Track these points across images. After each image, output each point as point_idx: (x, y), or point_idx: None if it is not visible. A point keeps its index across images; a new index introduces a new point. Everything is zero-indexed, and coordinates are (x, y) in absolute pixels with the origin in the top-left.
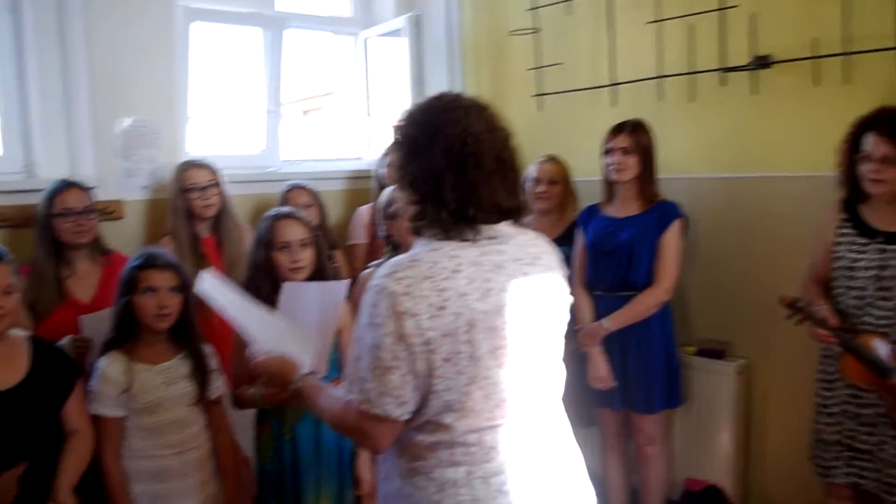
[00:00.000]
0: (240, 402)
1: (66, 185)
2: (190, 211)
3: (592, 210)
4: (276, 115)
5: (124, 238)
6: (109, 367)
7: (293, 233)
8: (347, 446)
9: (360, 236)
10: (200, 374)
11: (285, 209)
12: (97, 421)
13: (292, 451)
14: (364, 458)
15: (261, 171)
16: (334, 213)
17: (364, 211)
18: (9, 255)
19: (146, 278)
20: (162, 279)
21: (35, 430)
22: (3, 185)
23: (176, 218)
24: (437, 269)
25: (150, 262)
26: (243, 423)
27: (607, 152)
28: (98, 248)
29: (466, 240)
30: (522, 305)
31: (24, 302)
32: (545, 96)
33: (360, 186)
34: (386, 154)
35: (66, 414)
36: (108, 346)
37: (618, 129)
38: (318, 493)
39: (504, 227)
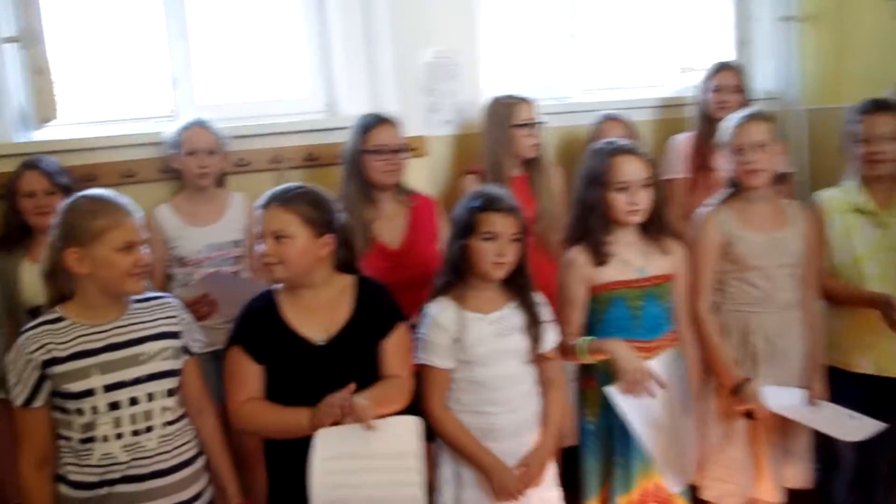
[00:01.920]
0: (562, 352)
1: (379, 120)
2: (513, 148)
3: None
4: (574, 41)
5: (426, 177)
6: (441, 314)
7: (633, 171)
8: None
9: (677, 169)
10: (534, 325)
11: (623, 142)
12: (424, 371)
13: None
14: None
15: (561, 103)
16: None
17: (681, 141)
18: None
19: (487, 222)
20: (504, 224)
21: (355, 375)
22: (307, 124)
23: (499, 154)
24: None
25: (492, 205)
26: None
27: None
28: (402, 189)
29: None
30: None
31: None
32: None
33: (670, 115)
34: (709, 77)
35: (385, 359)
36: (440, 292)
37: None
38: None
39: None
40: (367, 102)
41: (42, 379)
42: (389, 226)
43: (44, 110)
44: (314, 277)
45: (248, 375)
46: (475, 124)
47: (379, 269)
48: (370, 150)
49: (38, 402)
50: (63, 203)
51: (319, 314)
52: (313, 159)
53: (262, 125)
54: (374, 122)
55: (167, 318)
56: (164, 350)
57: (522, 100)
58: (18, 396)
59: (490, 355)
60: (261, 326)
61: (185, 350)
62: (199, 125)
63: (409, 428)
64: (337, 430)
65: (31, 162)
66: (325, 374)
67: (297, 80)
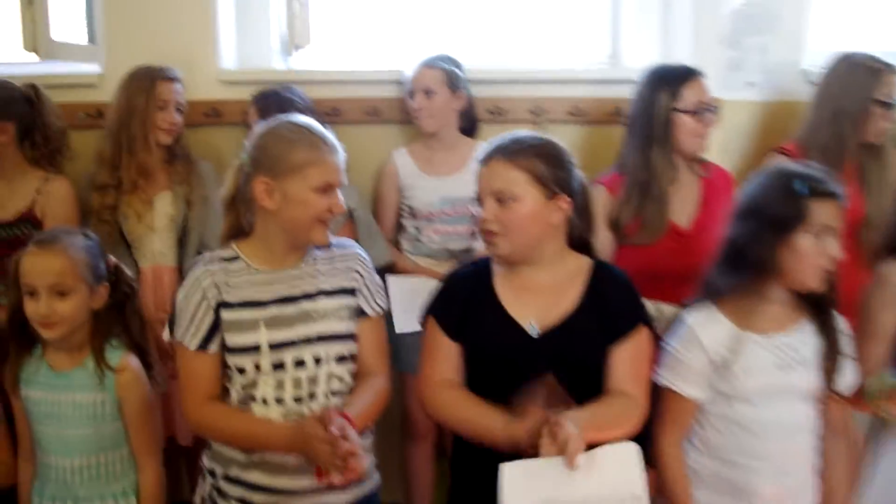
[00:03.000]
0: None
1: (693, 74)
2: (864, 128)
3: None
4: None
5: (716, 150)
6: (705, 328)
7: None
8: None
9: None
10: (832, 357)
11: None
12: (665, 394)
13: None
14: None
15: None
16: None
17: None
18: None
19: (821, 213)
20: (837, 217)
21: (571, 383)
22: (584, 73)
23: (843, 133)
24: None
25: (824, 191)
26: None
27: None
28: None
29: None
30: None
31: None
32: None
33: None
34: None
35: (615, 369)
36: (708, 297)
37: None
38: None
39: None
40: (654, 53)
41: (216, 322)
42: (681, 202)
43: (298, 36)
44: (541, 252)
45: (441, 352)
46: (790, 90)
47: (667, 252)
48: (684, 110)
49: (213, 348)
50: (263, 125)
51: (539, 298)
52: (579, 114)
53: (523, 71)
54: (688, 76)
55: (349, 271)
56: (339, 309)
57: (893, 69)
58: (192, 339)
59: (765, 391)
60: (465, 298)
61: (361, 311)
62: (426, 64)
63: (629, 460)
64: (530, 465)
65: (263, 92)
66: (533, 374)
67: (576, 24)
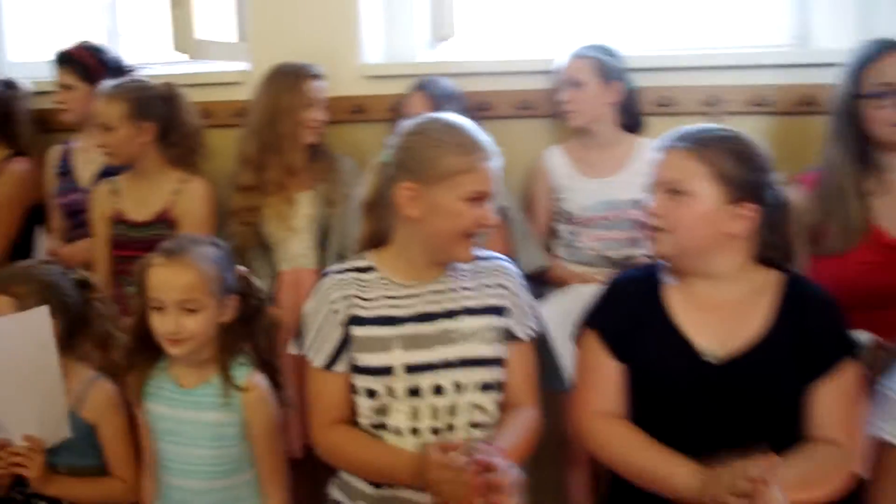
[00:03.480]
0: None
1: (887, 49)
2: None
3: None
4: None
5: None
6: None
7: None
8: None
9: None
10: None
11: None
12: (881, 450)
13: None
14: None
15: None
16: None
17: None
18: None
19: None
20: None
21: (761, 422)
22: (767, 56)
23: None
24: None
25: None
26: None
27: None
28: None
29: None
30: None
31: None
32: None
33: None
34: None
35: (818, 411)
36: None
37: None
38: None
39: None
40: (849, 32)
41: (346, 339)
42: (891, 204)
43: (443, 27)
44: (713, 263)
45: (602, 374)
46: None
47: (866, 266)
48: (869, 94)
49: (340, 367)
50: (410, 123)
51: (719, 318)
52: (762, 104)
53: (695, 56)
54: (879, 52)
55: (498, 287)
56: (484, 330)
57: None
58: (317, 356)
59: None
60: (635, 312)
61: (510, 334)
62: (575, 54)
63: None
64: None
65: (420, 83)
66: (714, 408)
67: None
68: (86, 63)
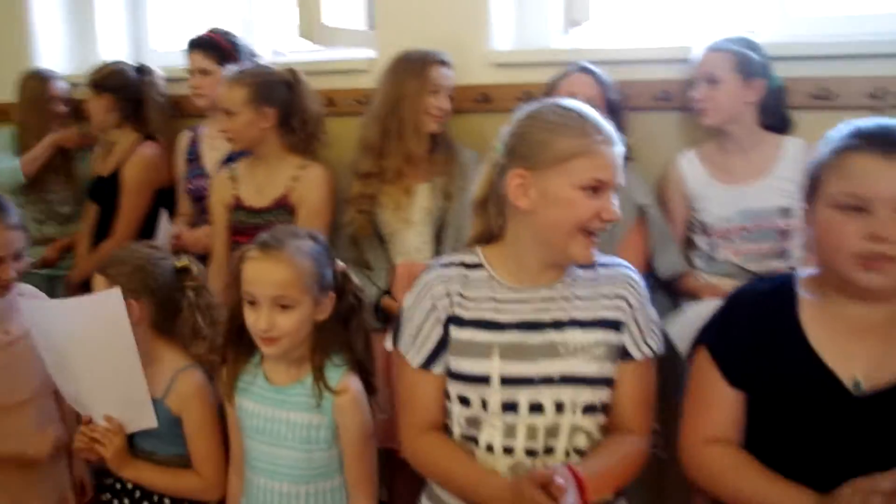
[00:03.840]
0: None
1: None
2: None
3: None
4: None
5: None
6: None
7: None
8: None
9: None
10: None
11: None
12: None
13: None
14: None
15: None
16: None
17: None
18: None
19: None
20: None
21: None
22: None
23: None
24: None
25: None
26: None
27: None
28: None
29: None
30: None
31: None
32: None
33: None
34: None
35: None
36: None
37: None
38: None
39: None
40: None
41: (444, 339)
42: None
43: (576, 11)
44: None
45: (715, 399)
46: None
47: None
48: None
49: (438, 369)
50: (523, 108)
51: (867, 342)
52: None
53: (859, 42)
54: None
55: (616, 299)
56: (594, 345)
57: None
58: (415, 355)
59: None
60: (758, 329)
61: (624, 352)
62: (711, 47)
63: None
64: None
65: (580, 65)
66: (852, 447)
67: None
68: (221, 47)
